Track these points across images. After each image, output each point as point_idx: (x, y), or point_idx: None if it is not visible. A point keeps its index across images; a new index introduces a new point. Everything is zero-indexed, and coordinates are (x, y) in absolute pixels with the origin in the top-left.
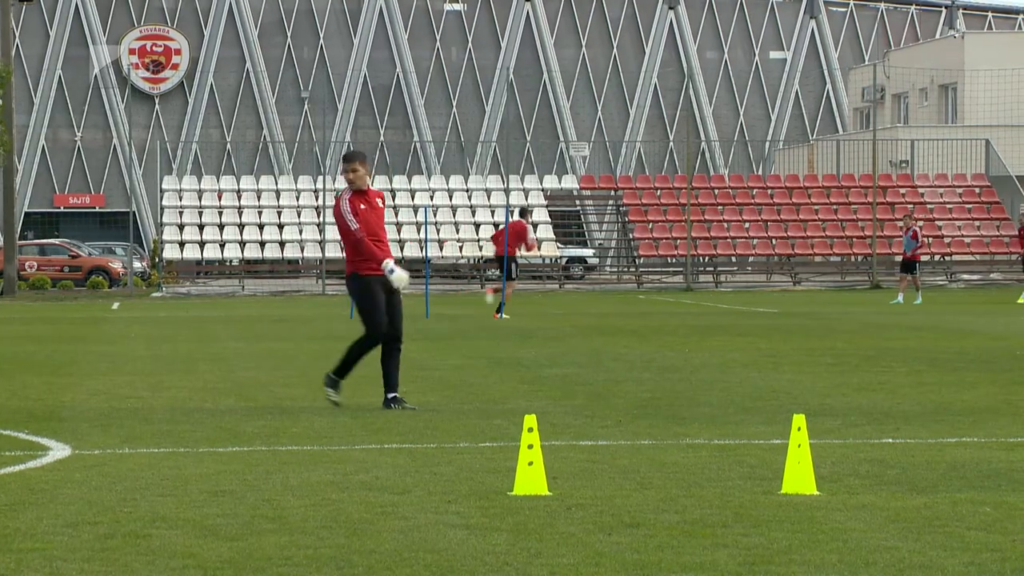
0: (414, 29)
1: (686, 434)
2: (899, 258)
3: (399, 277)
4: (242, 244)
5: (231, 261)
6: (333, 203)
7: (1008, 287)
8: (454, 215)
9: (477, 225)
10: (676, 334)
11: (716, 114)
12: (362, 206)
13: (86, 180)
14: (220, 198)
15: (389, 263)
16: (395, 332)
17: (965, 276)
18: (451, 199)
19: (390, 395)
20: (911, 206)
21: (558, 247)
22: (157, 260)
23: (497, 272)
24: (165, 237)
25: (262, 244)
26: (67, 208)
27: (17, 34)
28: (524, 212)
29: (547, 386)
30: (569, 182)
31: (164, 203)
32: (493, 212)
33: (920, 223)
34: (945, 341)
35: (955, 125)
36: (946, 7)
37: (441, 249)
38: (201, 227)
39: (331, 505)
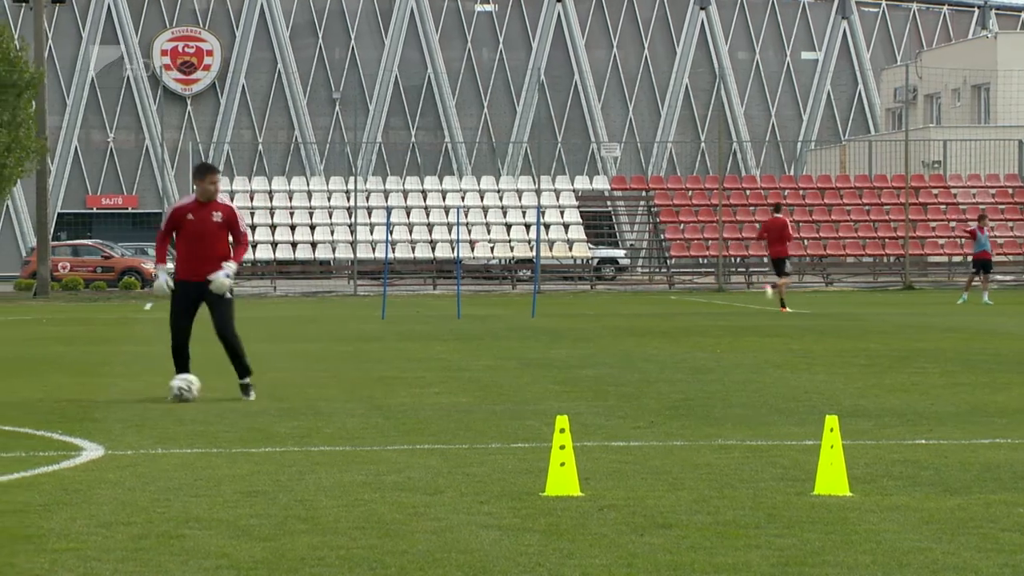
0: (445, 30)
1: (718, 435)
2: (963, 258)
3: (158, 287)
4: (274, 245)
5: (263, 262)
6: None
7: None
8: (485, 216)
9: (508, 226)
10: (708, 335)
11: (748, 114)
12: (189, 216)
13: (119, 181)
14: (252, 199)
15: (161, 273)
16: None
17: (999, 277)
18: (482, 200)
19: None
20: (982, 206)
21: (589, 248)
22: None
23: (774, 270)
24: None
25: (294, 245)
26: (100, 209)
27: (50, 36)
28: (779, 207)
29: (579, 387)
30: (600, 183)
31: None
32: (524, 213)
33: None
34: (979, 342)
35: (988, 125)
36: (979, 7)
37: (472, 250)
38: None
39: (364, 506)
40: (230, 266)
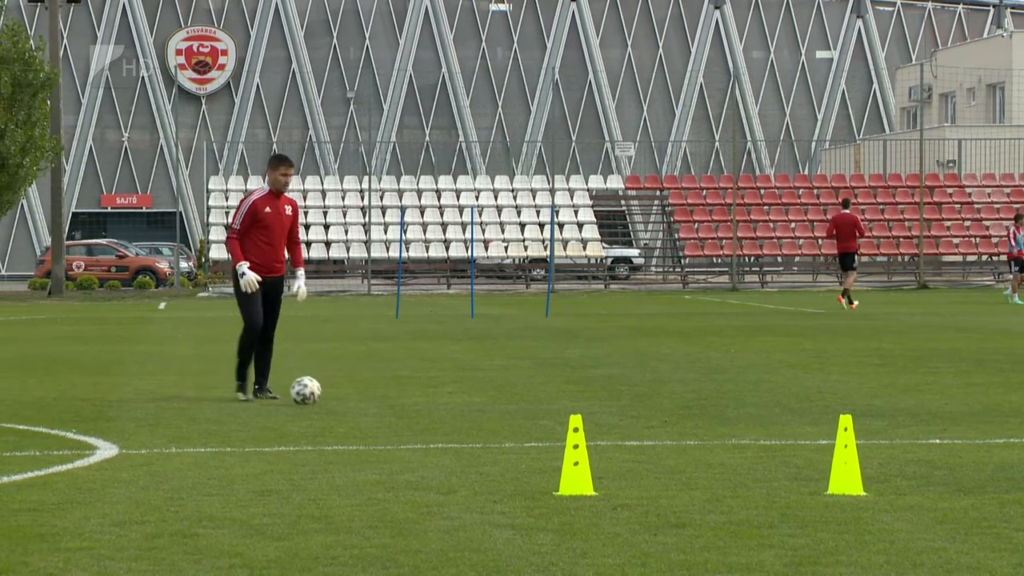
0: (459, 29)
1: (732, 434)
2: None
3: (248, 281)
4: None
5: None
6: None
7: None
8: (499, 215)
9: (522, 225)
10: (721, 334)
11: (762, 114)
12: (267, 209)
13: (133, 180)
14: None
15: (242, 265)
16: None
17: (1010, 276)
18: (496, 199)
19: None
20: (1017, 205)
21: (603, 247)
22: (203, 260)
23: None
24: (211, 237)
25: (308, 244)
26: (114, 208)
27: (65, 35)
28: (848, 203)
29: (592, 386)
30: (614, 182)
31: (210, 203)
32: (539, 212)
33: None
34: (993, 342)
35: (1003, 125)
36: (994, 6)
37: (487, 249)
38: None
39: (377, 505)
40: (302, 274)
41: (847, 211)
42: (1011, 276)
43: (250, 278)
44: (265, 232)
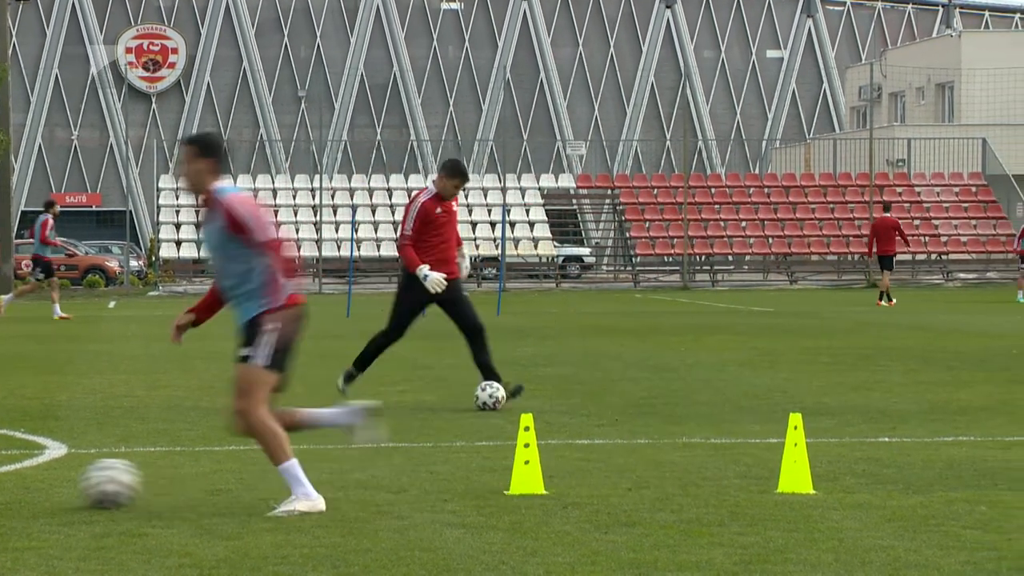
0: (411, 28)
1: (682, 433)
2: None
3: (434, 280)
4: None
5: None
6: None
7: (1004, 286)
8: None
9: (474, 224)
10: (672, 333)
11: (713, 113)
12: (438, 211)
13: (83, 179)
14: None
15: (423, 269)
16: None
17: (961, 275)
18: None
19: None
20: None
21: (555, 246)
22: (154, 259)
23: None
24: (162, 236)
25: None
26: (63, 207)
27: (14, 33)
28: (889, 207)
29: (543, 385)
30: (566, 181)
31: (160, 202)
32: (490, 211)
33: None
34: (941, 340)
35: (952, 124)
36: (943, 6)
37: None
38: (198, 226)
39: (327, 504)
40: (465, 252)
41: (888, 215)
42: (1020, 275)
43: (435, 277)
44: (438, 233)
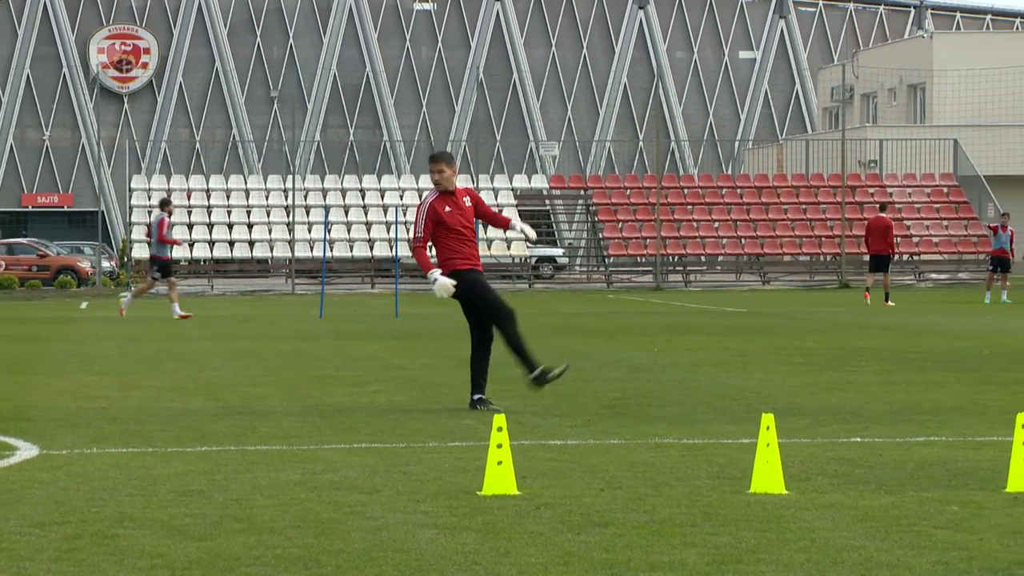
0: (384, 28)
1: (655, 433)
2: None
3: (441, 286)
4: (211, 243)
5: (200, 260)
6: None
7: (976, 286)
8: None
9: None
10: (645, 334)
11: (686, 114)
12: (447, 208)
13: (54, 179)
14: (189, 197)
15: (433, 273)
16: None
17: (933, 275)
18: (421, 198)
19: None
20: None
21: (528, 247)
22: (126, 259)
23: None
24: (134, 237)
25: (231, 243)
26: (35, 207)
27: None
28: (885, 207)
29: (516, 385)
30: (539, 182)
31: (133, 202)
32: None
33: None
34: (913, 340)
35: (923, 125)
36: (914, 7)
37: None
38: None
39: (300, 505)
40: (518, 219)
41: (883, 215)
42: (987, 275)
43: (443, 283)
44: (455, 229)
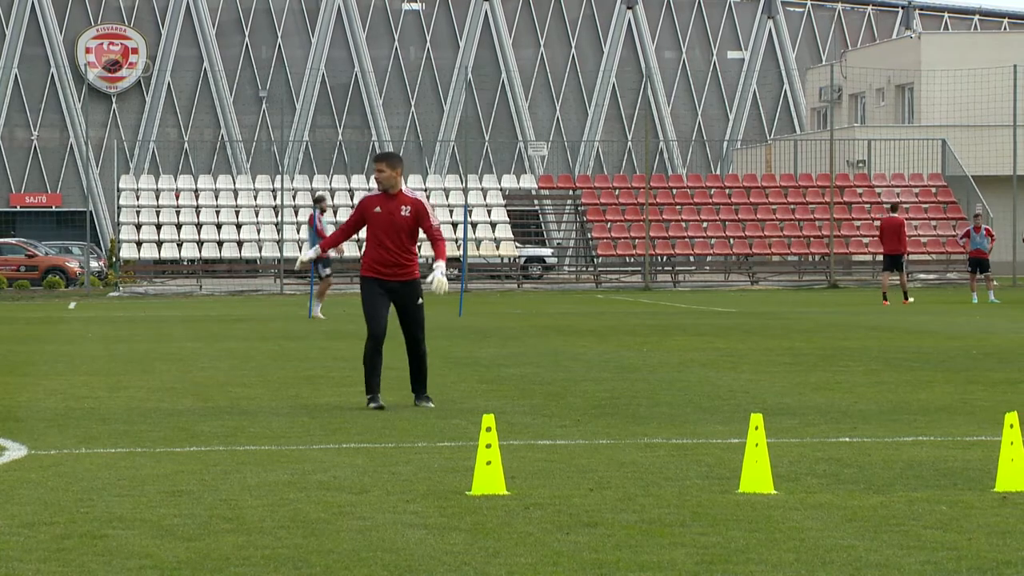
0: (372, 28)
1: (644, 433)
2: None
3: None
4: (199, 244)
5: (188, 261)
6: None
7: (964, 286)
8: None
9: None
10: (634, 334)
11: (674, 114)
12: (377, 208)
13: (43, 179)
14: (177, 197)
15: (308, 252)
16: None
17: (921, 275)
18: None
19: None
20: (978, 206)
21: (516, 247)
22: (114, 260)
23: None
24: (122, 236)
25: (220, 244)
26: (23, 207)
27: None
28: (895, 207)
29: (505, 386)
30: (527, 182)
31: (121, 202)
32: (452, 211)
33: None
34: (902, 340)
35: (912, 125)
36: (903, 7)
37: None
38: (158, 226)
39: (289, 505)
40: (439, 265)
41: (895, 215)
42: (969, 276)
43: (301, 257)
44: (376, 233)
